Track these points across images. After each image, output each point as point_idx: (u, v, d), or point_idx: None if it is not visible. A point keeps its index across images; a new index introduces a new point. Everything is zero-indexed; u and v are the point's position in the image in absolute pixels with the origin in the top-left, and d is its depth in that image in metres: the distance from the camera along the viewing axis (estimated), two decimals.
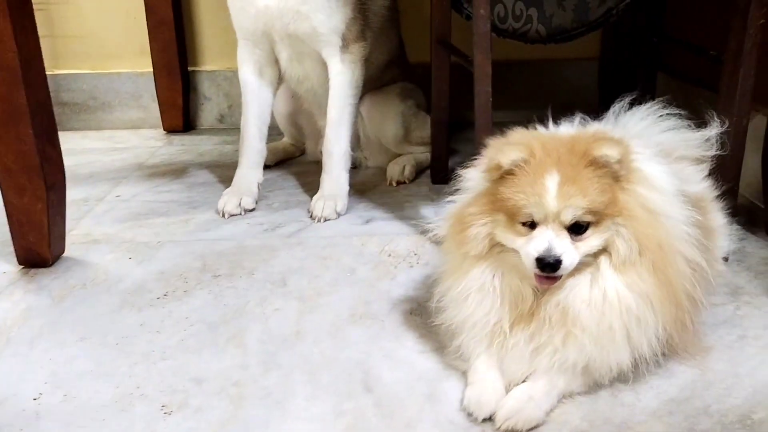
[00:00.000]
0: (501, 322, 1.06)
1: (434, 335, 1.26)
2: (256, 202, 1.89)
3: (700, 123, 1.37)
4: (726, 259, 1.47)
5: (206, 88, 2.67)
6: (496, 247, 1.07)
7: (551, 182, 0.99)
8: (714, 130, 1.35)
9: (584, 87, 2.59)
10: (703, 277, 1.11)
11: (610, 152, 0.99)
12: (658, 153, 1.20)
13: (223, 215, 1.83)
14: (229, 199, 1.85)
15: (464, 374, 1.14)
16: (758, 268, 1.50)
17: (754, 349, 1.23)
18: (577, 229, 1.01)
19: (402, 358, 1.22)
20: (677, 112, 1.35)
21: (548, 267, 0.99)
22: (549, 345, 1.05)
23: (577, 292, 1.04)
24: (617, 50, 2.45)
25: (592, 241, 1.02)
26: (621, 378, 1.11)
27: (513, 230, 1.03)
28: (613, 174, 1.01)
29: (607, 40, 2.49)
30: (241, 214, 1.84)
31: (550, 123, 1.19)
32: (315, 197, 1.84)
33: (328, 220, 1.80)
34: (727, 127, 1.37)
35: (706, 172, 1.34)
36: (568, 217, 1.00)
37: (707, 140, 1.35)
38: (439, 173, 2.02)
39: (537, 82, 2.62)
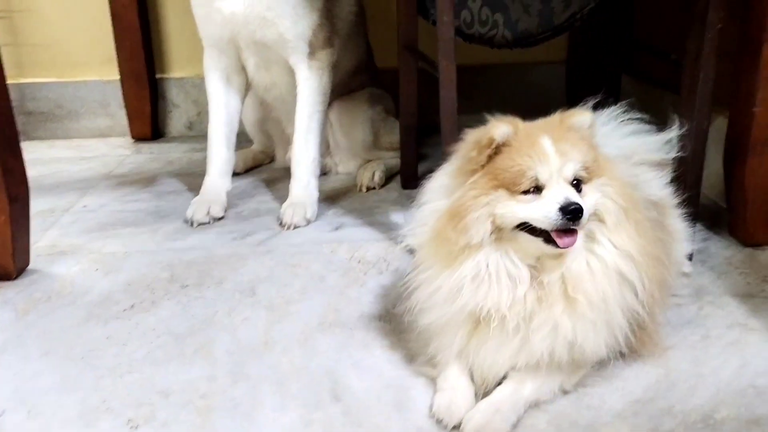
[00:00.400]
0: (498, 306, 1.04)
1: (403, 342, 1.27)
2: (225, 210, 1.88)
3: (663, 126, 1.39)
4: (690, 258, 1.49)
5: (174, 95, 2.65)
6: (493, 234, 1.06)
7: (547, 143, 1.03)
8: (674, 132, 1.38)
9: (552, 90, 2.62)
10: (664, 278, 1.13)
11: (582, 118, 1.08)
12: (618, 157, 1.22)
13: (192, 224, 1.81)
14: (197, 208, 1.83)
15: (433, 381, 1.15)
16: (721, 268, 1.53)
17: (716, 348, 1.25)
18: (577, 186, 1.04)
19: (370, 366, 1.22)
20: (639, 115, 1.37)
21: (572, 213, 0.99)
22: (547, 323, 1.05)
23: (579, 262, 1.06)
24: (584, 53, 2.48)
25: (589, 198, 1.05)
26: (588, 379, 1.13)
27: (516, 201, 1.03)
28: (589, 139, 1.08)
29: (574, 44, 2.52)
30: (209, 222, 1.83)
31: None
32: (284, 204, 1.84)
33: (298, 227, 1.79)
34: (688, 130, 1.39)
35: (668, 177, 1.36)
36: (570, 172, 1.03)
37: (668, 143, 1.38)
38: (409, 178, 2.03)
39: (505, 86, 2.64)
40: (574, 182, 1.04)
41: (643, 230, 1.09)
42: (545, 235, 1.03)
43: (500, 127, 1.04)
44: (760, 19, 1.47)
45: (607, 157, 1.12)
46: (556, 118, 1.11)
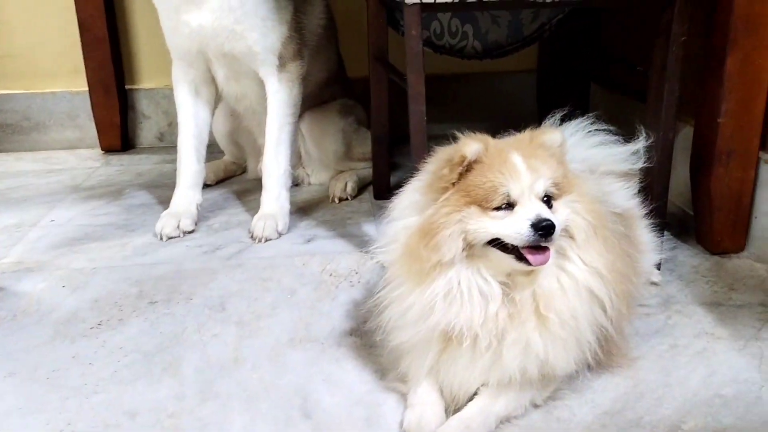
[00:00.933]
0: (470, 324, 1.04)
1: (374, 357, 1.26)
2: (196, 224, 1.86)
3: (632, 136, 1.41)
4: (658, 267, 1.51)
5: (145, 106, 2.63)
6: (464, 251, 1.06)
7: (518, 160, 1.04)
8: (641, 143, 1.39)
9: (523, 98, 2.64)
10: (631, 291, 1.14)
11: (553, 136, 1.09)
12: (584, 167, 1.23)
13: (162, 238, 1.79)
14: (167, 222, 1.81)
15: (404, 397, 1.14)
16: (689, 276, 1.55)
17: (684, 358, 1.26)
18: (547, 202, 1.05)
19: (341, 381, 1.21)
20: (606, 126, 1.38)
21: (544, 230, 1.00)
22: (519, 340, 1.05)
23: (550, 280, 1.06)
24: (554, 63, 2.50)
25: (560, 214, 1.05)
26: (559, 392, 1.13)
27: (489, 218, 1.03)
28: (558, 157, 1.09)
29: (544, 53, 2.54)
30: (179, 236, 1.81)
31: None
32: (255, 217, 1.82)
33: (269, 240, 1.78)
34: (654, 141, 1.41)
35: (635, 188, 1.37)
36: (541, 189, 1.04)
37: (634, 153, 1.39)
38: (382, 189, 2.03)
39: (477, 95, 2.66)
40: (545, 198, 1.05)
41: (611, 246, 1.10)
42: (516, 253, 1.03)
43: (471, 144, 1.04)
44: (723, 31, 1.50)
45: (576, 174, 1.13)
46: (526, 135, 1.12)
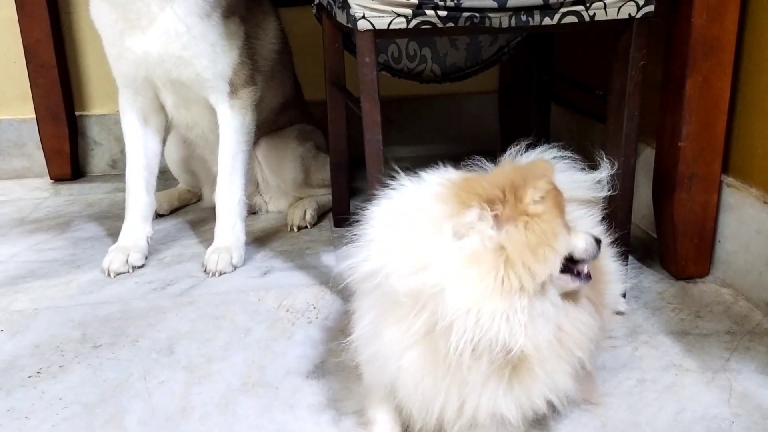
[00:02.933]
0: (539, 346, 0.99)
1: (331, 401, 1.19)
2: (146, 258, 1.78)
3: (593, 160, 1.37)
4: (624, 296, 1.48)
5: (96, 132, 2.53)
6: None
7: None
8: (604, 172, 1.36)
9: (485, 119, 2.62)
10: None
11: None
12: None
13: (109, 274, 1.70)
14: (115, 257, 1.72)
15: None
16: (654, 304, 1.51)
17: (653, 393, 1.22)
18: None
19: (295, 430, 1.14)
20: (571, 154, 1.34)
21: (600, 244, 1.06)
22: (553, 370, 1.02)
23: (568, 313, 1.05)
24: (515, 84, 2.48)
25: None
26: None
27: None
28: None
29: (505, 75, 2.52)
30: (128, 271, 1.72)
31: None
32: (209, 250, 1.75)
33: (224, 273, 1.70)
34: (617, 168, 1.37)
35: (599, 216, 1.34)
36: None
37: (598, 182, 1.35)
38: (341, 217, 1.97)
39: (439, 117, 2.62)
40: None
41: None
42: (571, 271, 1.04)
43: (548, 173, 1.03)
44: (681, 54, 1.48)
45: None
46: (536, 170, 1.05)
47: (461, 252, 0.96)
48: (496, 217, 0.97)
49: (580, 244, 1.04)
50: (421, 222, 0.99)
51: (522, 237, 0.96)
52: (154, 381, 1.29)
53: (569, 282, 1.03)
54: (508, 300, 0.95)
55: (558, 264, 0.98)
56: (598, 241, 1.05)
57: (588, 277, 1.05)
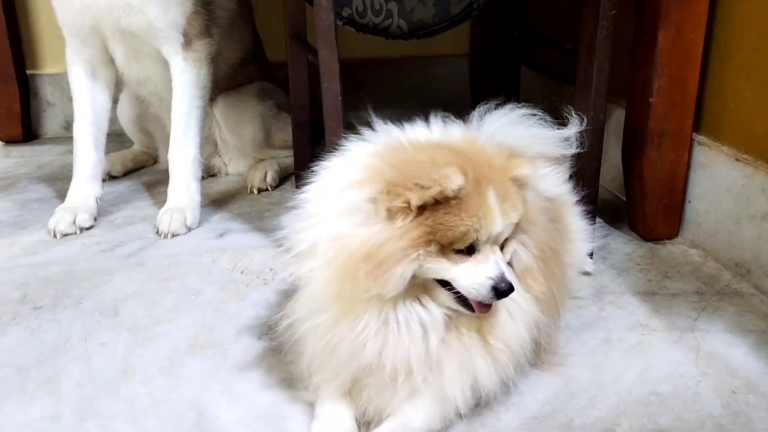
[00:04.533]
0: (406, 361, 0.92)
1: (282, 363, 1.13)
2: (95, 219, 1.69)
3: (563, 121, 1.31)
4: (591, 256, 1.43)
5: (49, 93, 2.42)
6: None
7: (493, 202, 0.90)
8: (573, 128, 1.30)
9: (456, 83, 2.55)
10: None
11: (527, 172, 0.97)
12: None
13: (55, 235, 1.61)
14: (61, 217, 1.63)
15: (311, 406, 1.02)
16: (621, 265, 1.47)
17: (618, 353, 1.17)
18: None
19: (243, 393, 1.08)
20: (539, 112, 1.28)
21: (502, 294, 0.90)
22: (463, 370, 0.95)
23: (498, 309, 0.96)
24: (485, 47, 2.41)
25: (507, 254, 0.95)
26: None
27: (446, 259, 0.90)
28: (525, 192, 0.98)
29: (476, 37, 2.45)
30: (76, 233, 1.63)
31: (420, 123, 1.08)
32: (162, 210, 1.66)
33: (177, 235, 1.62)
34: (586, 124, 1.32)
35: (566, 174, 1.28)
36: (506, 235, 0.93)
37: (566, 139, 1.29)
38: (304, 178, 1.88)
39: (409, 80, 2.55)
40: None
41: (554, 269, 1.02)
42: (463, 297, 0.93)
43: (455, 179, 0.87)
44: (655, 6, 1.42)
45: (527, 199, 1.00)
46: (499, 161, 0.96)
47: (334, 244, 0.90)
48: (388, 211, 0.88)
49: (463, 281, 0.90)
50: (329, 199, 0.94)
51: (379, 242, 0.87)
52: (95, 343, 1.21)
53: (454, 304, 0.94)
54: (346, 308, 0.90)
55: (399, 286, 0.87)
56: (498, 291, 0.90)
57: (485, 311, 0.93)
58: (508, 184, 0.94)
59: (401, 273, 0.87)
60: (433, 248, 0.89)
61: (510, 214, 0.92)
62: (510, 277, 0.92)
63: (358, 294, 0.89)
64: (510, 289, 0.90)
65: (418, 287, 0.93)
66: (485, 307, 0.93)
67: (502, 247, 0.94)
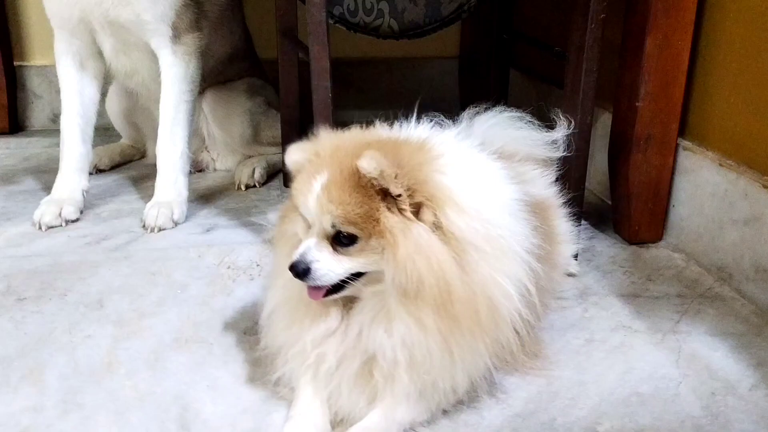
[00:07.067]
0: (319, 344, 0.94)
1: (268, 358, 1.13)
2: (81, 212, 1.68)
3: (550, 124, 1.33)
4: (576, 257, 1.44)
5: (36, 84, 2.40)
6: None
7: (317, 184, 0.91)
8: (560, 131, 1.31)
9: (446, 85, 2.56)
10: (541, 286, 1.04)
11: (366, 165, 0.87)
12: (501, 155, 1.13)
13: (40, 227, 1.60)
14: (47, 209, 1.62)
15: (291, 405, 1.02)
16: (606, 267, 1.48)
17: (600, 353, 1.19)
18: (341, 240, 0.91)
19: (228, 387, 1.08)
20: (527, 114, 1.30)
21: (298, 274, 0.92)
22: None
23: (365, 316, 0.95)
24: (475, 50, 2.42)
25: (359, 258, 0.91)
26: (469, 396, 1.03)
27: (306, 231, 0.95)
28: (379, 189, 0.89)
29: (466, 39, 2.46)
30: (61, 225, 1.63)
31: (400, 123, 1.09)
32: (148, 204, 1.66)
33: (163, 229, 1.62)
34: (573, 127, 1.33)
35: (553, 176, 1.29)
36: (328, 224, 0.91)
37: (554, 142, 1.31)
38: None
39: (400, 81, 2.56)
40: (344, 235, 0.91)
41: (452, 309, 0.90)
42: None
43: (293, 154, 0.97)
44: (643, 12, 1.43)
45: (450, 200, 0.91)
46: (352, 148, 0.93)
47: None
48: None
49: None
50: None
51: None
52: (79, 335, 1.21)
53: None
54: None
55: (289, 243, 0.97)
56: (290, 266, 0.91)
57: (313, 296, 0.94)
58: (347, 174, 0.89)
59: (284, 230, 1.00)
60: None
61: (329, 203, 0.89)
62: (311, 260, 0.91)
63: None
64: (304, 271, 0.91)
65: None
66: (310, 290, 0.94)
67: (343, 245, 0.91)
